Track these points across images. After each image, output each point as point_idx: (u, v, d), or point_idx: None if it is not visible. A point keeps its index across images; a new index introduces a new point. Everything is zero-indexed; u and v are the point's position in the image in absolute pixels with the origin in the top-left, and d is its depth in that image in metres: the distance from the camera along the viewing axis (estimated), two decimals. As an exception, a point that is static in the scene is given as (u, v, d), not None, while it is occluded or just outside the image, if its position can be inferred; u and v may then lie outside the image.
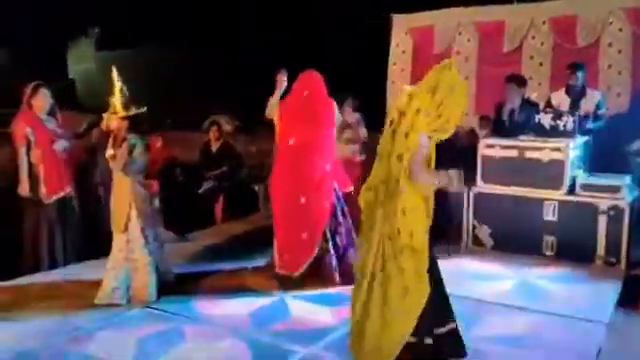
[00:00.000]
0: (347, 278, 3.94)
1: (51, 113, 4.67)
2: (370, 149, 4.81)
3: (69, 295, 3.99)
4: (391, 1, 7.59)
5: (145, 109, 3.95)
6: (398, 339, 2.85)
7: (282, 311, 3.80)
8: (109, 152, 3.89)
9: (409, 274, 2.85)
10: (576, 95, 5.50)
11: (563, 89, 5.66)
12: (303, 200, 4.15)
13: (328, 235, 4.22)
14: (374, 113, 6.28)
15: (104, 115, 3.93)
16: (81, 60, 24.07)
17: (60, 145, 4.56)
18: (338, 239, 4.29)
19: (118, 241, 3.89)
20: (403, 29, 7.56)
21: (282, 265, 4.24)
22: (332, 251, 4.22)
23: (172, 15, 16.66)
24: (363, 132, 6.38)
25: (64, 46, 24.79)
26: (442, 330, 2.98)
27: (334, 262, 4.21)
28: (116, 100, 3.85)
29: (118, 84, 3.86)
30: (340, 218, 4.31)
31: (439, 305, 2.96)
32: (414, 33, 7.48)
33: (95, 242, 4.70)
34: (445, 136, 2.92)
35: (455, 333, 3.04)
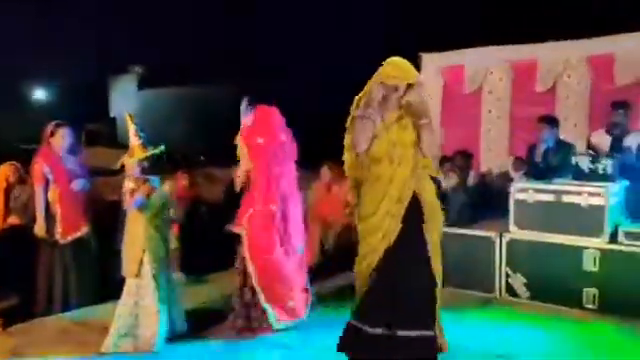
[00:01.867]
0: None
1: (71, 152, 4.65)
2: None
3: (77, 342, 3.84)
4: (421, 40, 7.49)
5: (163, 148, 3.87)
6: None
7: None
8: (129, 185, 3.77)
9: None
10: (617, 134, 5.19)
11: (603, 129, 5.36)
12: None
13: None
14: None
15: (123, 157, 3.87)
16: (123, 98, 24.88)
17: (78, 185, 4.52)
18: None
19: (129, 286, 3.75)
20: (432, 68, 7.41)
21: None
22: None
23: (213, 54, 17.08)
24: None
25: (106, 84, 25.73)
26: (415, 333, 2.86)
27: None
28: (133, 142, 3.79)
29: (132, 127, 3.81)
30: None
31: (423, 302, 2.91)
32: (444, 72, 7.34)
33: (113, 285, 4.59)
34: None
35: (427, 344, 2.89)
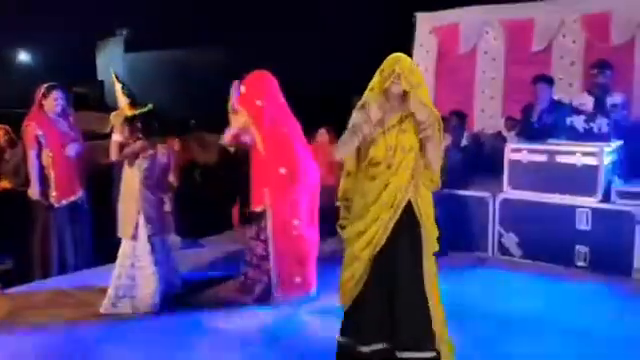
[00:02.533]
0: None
1: (63, 115, 4.56)
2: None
3: (76, 303, 3.87)
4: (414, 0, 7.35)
5: (151, 107, 3.81)
6: None
7: (295, 325, 3.61)
8: (116, 137, 3.71)
9: None
10: (600, 94, 5.16)
11: (584, 92, 5.34)
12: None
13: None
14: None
15: (110, 116, 3.80)
16: (109, 61, 24.39)
17: (72, 149, 4.46)
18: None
19: (125, 248, 3.76)
20: (427, 28, 7.28)
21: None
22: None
23: (201, 16, 16.70)
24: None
25: (93, 47, 25.17)
26: (418, 355, 2.69)
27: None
28: (121, 100, 3.73)
29: (119, 85, 3.74)
30: None
31: (416, 321, 2.72)
32: (438, 32, 7.22)
33: (109, 247, 4.59)
34: None
35: None
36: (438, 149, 2.78)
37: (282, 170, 3.84)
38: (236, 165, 6.69)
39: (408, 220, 2.74)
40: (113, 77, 3.83)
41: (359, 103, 2.83)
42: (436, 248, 2.82)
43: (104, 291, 3.78)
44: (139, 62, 23.68)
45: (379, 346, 2.72)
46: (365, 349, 2.72)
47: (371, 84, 2.84)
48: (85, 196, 4.60)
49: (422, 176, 2.77)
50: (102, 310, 3.69)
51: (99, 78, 23.82)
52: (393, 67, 2.71)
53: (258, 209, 3.92)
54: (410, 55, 7.36)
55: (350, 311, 2.81)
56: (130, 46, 24.47)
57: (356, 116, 2.79)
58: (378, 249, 2.71)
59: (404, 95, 2.74)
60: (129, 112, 3.70)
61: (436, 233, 2.82)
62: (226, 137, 4.03)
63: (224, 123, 7.31)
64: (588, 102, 5.17)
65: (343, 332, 2.84)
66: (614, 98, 5.11)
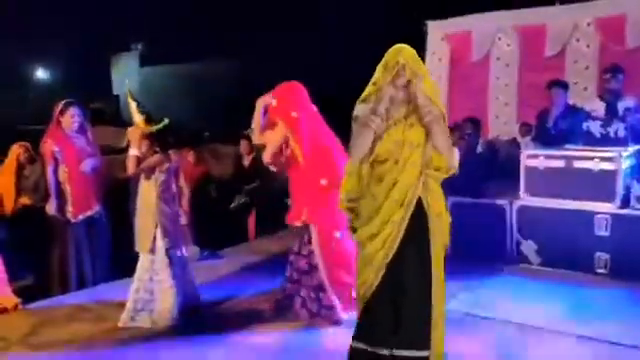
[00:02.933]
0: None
1: (81, 131, 4.63)
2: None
3: (94, 318, 3.90)
4: (426, 7, 7.36)
5: (167, 122, 3.84)
6: None
7: (314, 339, 3.58)
8: (133, 152, 3.74)
9: None
10: (612, 99, 5.09)
11: (596, 97, 5.28)
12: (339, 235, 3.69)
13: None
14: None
15: (127, 131, 3.85)
16: (125, 76, 24.73)
17: (88, 164, 4.52)
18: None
19: (143, 261, 3.78)
20: (439, 36, 7.29)
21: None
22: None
23: (216, 31, 16.88)
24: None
25: (108, 62, 25.56)
26: (411, 354, 2.62)
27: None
28: (137, 118, 3.77)
29: (133, 103, 3.78)
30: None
31: (420, 321, 2.66)
32: (451, 40, 7.22)
33: (128, 261, 4.63)
34: None
35: None
36: (446, 135, 2.67)
37: (323, 181, 3.67)
38: (250, 177, 6.77)
39: (418, 219, 2.65)
40: (127, 95, 3.87)
41: (360, 97, 2.77)
42: (447, 241, 2.73)
43: (122, 305, 3.80)
44: (154, 76, 23.99)
45: (391, 351, 2.67)
46: (381, 351, 2.67)
47: (373, 78, 2.74)
48: (103, 211, 4.65)
49: (431, 170, 2.67)
50: (120, 324, 3.71)
51: (115, 93, 24.15)
52: (397, 59, 2.63)
53: (298, 223, 3.77)
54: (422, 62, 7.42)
55: (362, 315, 2.76)
56: (145, 60, 24.81)
57: (361, 109, 2.71)
58: (393, 252, 2.64)
59: (408, 85, 2.64)
60: (145, 128, 3.73)
61: (448, 227, 2.73)
62: (267, 156, 3.80)
63: (238, 135, 7.38)
64: (600, 108, 5.12)
65: (356, 337, 2.77)
66: (626, 102, 5.06)
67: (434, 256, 2.67)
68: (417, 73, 2.63)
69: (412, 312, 2.65)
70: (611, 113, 4.94)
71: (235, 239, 6.39)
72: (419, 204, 2.65)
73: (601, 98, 5.16)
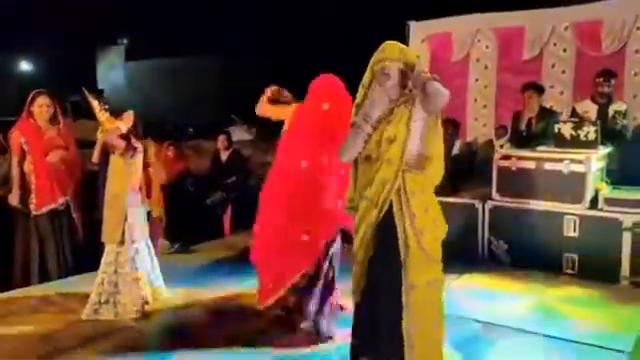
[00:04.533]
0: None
1: (53, 121, 4.57)
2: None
3: (58, 311, 3.84)
4: (407, 9, 7.39)
5: (131, 113, 3.82)
6: None
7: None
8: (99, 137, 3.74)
9: None
10: (604, 103, 5.17)
11: (589, 98, 5.34)
12: (305, 238, 3.38)
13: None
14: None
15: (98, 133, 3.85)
16: (110, 70, 24.54)
17: (55, 156, 4.46)
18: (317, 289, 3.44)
19: (108, 253, 3.75)
20: (420, 37, 7.32)
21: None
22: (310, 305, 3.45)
23: (201, 26, 16.79)
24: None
25: (93, 56, 25.33)
26: None
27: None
28: (100, 118, 3.75)
29: (95, 102, 3.75)
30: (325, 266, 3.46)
31: (390, 334, 2.58)
32: (431, 41, 7.25)
33: (99, 254, 4.58)
34: None
35: None
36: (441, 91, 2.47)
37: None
38: (228, 173, 6.74)
39: (390, 221, 2.56)
40: (86, 94, 3.83)
41: (355, 102, 2.75)
42: (435, 250, 2.61)
43: (88, 298, 3.76)
44: (139, 71, 23.80)
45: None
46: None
47: (363, 80, 2.72)
48: (72, 203, 4.58)
49: (414, 169, 2.56)
50: (84, 317, 3.67)
51: (99, 87, 23.94)
52: (380, 64, 2.60)
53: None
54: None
55: (354, 314, 2.75)
56: (131, 55, 24.61)
57: (355, 115, 2.69)
58: (371, 252, 2.58)
59: (402, 78, 2.59)
60: (112, 125, 3.71)
61: (435, 234, 2.61)
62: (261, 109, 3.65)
63: (220, 131, 7.34)
64: (592, 110, 5.18)
65: (352, 333, 2.77)
66: (616, 106, 5.12)
67: (409, 265, 2.55)
68: (407, 63, 2.57)
69: (381, 324, 2.58)
70: (602, 116, 5.00)
71: (211, 234, 6.36)
72: (391, 205, 2.57)
73: (593, 101, 5.22)
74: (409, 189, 2.58)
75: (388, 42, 2.69)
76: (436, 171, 2.65)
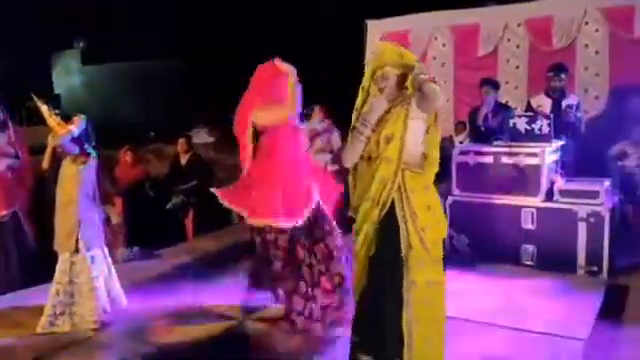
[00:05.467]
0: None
1: (2, 128, 4.40)
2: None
3: (11, 324, 3.71)
4: (365, 6, 7.42)
5: (83, 117, 3.71)
6: None
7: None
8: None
9: None
10: (558, 97, 5.30)
11: (542, 92, 5.47)
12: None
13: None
14: (348, 122, 6.08)
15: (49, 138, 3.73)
16: (66, 74, 23.87)
17: (1, 164, 4.29)
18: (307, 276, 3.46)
19: (62, 263, 3.63)
20: (378, 35, 7.36)
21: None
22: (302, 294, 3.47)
23: (160, 29, 16.52)
24: (336, 140, 6.19)
25: (49, 61, 24.59)
26: None
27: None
28: (50, 123, 3.63)
29: (44, 107, 3.64)
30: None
31: (389, 329, 2.60)
32: (389, 39, 7.28)
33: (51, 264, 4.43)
34: None
35: None
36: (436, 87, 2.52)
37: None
38: (188, 177, 6.63)
39: (392, 219, 2.58)
40: (35, 99, 3.70)
41: (355, 106, 2.74)
42: (431, 246, 2.61)
43: (42, 310, 3.63)
44: (97, 75, 23.23)
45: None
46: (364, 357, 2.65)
47: (362, 82, 2.73)
48: (21, 213, 4.42)
49: (412, 166, 2.59)
50: (39, 329, 3.55)
51: (56, 92, 23.27)
52: (383, 69, 2.61)
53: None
54: (362, 62, 7.49)
55: (356, 312, 2.75)
56: (87, 59, 24.00)
57: (355, 120, 2.69)
58: (372, 251, 2.60)
59: (401, 80, 2.61)
60: (63, 130, 3.59)
61: (437, 228, 2.63)
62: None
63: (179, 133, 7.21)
64: (546, 104, 5.29)
65: (353, 331, 2.75)
66: (569, 100, 5.25)
67: (410, 261, 2.57)
68: (406, 66, 2.59)
69: (382, 320, 2.60)
70: (556, 110, 5.10)
71: (173, 239, 6.25)
72: (393, 203, 2.58)
73: (547, 95, 5.33)
74: (409, 187, 2.59)
75: (386, 45, 2.74)
76: (434, 170, 2.69)
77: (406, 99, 2.61)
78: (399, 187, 2.58)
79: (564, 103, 5.25)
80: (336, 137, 5.85)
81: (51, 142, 3.69)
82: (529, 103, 5.52)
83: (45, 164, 3.79)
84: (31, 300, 4.04)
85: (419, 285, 2.59)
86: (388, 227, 2.59)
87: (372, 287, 2.64)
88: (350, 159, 2.67)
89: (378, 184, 2.57)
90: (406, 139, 2.57)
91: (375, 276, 2.62)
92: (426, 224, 2.61)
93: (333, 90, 6.30)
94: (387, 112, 2.63)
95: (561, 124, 4.96)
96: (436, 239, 2.67)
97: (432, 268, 2.65)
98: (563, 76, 5.28)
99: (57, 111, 3.67)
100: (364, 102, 2.70)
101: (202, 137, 12.20)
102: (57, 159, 3.73)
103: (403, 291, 2.58)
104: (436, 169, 2.70)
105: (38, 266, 4.39)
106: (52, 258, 3.95)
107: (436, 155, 2.69)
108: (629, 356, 3.28)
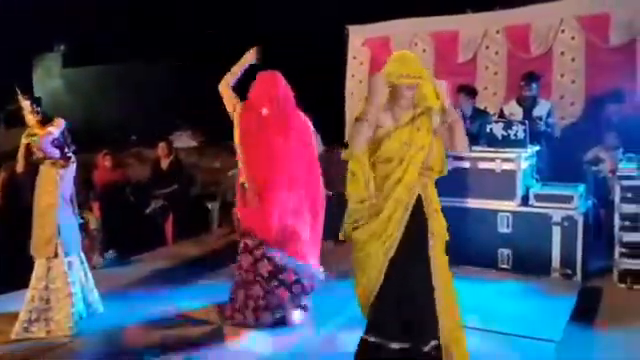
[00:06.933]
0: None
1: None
2: (328, 164, 4.57)
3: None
4: (346, 12, 7.47)
5: (62, 121, 3.68)
6: None
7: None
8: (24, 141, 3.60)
9: None
10: (528, 105, 5.40)
11: (514, 100, 5.56)
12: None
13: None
14: (330, 127, 6.09)
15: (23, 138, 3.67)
16: (47, 77, 23.59)
17: None
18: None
19: (39, 268, 3.59)
20: (359, 40, 7.44)
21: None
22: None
23: (140, 31, 16.39)
24: (318, 146, 6.20)
25: (29, 63, 24.29)
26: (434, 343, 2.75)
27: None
28: (30, 119, 3.59)
29: (26, 103, 3.60)
30: None
31: (427, 313, 2.76)
32: (371, 44, 7.37)
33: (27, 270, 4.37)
34: None
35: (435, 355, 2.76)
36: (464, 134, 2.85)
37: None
38: (168, 181, 6.61)
39: (417, 217, 2.76)
40: (19, 94, 3.65)
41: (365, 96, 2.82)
42: (446, 238, 2.89)
43: (17, 317, 3.59)
44: (78, 77, 22.99)
45: (404, 345, 2.74)
46: (394, 345, 2.74)
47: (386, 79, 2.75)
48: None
49: (428, 170, 2.80)
50: (13, 336, 3.51)
51: (36, 95, 22.98)
52: (413, 79, 2.69)
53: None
54: (344, 66, 7.54)
55: (371, 313, 2.82)
56: (69, 61, 23.74)
57: (360, 107, 2.80)
58: (394, 250, 2.72)
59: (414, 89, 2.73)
60: (41, 131, 3.56)
61: (445, 224, 2.89)
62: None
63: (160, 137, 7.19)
64: (518, 112, 5.38)
65: (367, 331, 2.82)
66: (541, 108, 5.34)
67: (434, 251, 2.80)
68: (424, 77, 2.72)
69: (416, 307, 2.74)
70: (527, 117, 5.19)
71: (153, 244, 6.22)
72: (418, 202, 2.77)
73: (519, 103, 5.42)
74: (428, 186, 2.82)
75: (407, 55, 2.81)
76: (440, 168, 2.90)
77: (427, 112, 2.77)
78: (422, 188, 2.79)
79: (534, 113, 5.34)
80: (319, 144, 5.87)
81: (24, 140, 3.61)
82: (502, 110, 5.61)
83: (19, 167, 3.63)
84: (5, 306, 3.99)
85: (442, 269, 2.84)
86: (414, 224, 2.75)
87: (398, 284, 2.76)
88: (357, 145, 2.74)
89: (404, 187, 2.73)
90: (430, 148, 2.78)
91: (400, 274, 2.74)
92: (440, 221, 2.89)
93: (314, 94, 6.32)
94: (411, 120, 2.75)
95: (532, 132, 5.04)
96: (442, 239, 2.91)
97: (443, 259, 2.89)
98: (534, 85, 5.38)
99: (39, 109, 3.62)
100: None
101: (184, 141, 12.15)
102: (31, 163, 3.67)
103: (434, 283, 2.77)
104: (444, 173, 2.91)
105: (12, 271, 4.34)
106: (20, 264, 3.93)
107: (445, 161, 2.91)
108: (601, 358, 3.35)
